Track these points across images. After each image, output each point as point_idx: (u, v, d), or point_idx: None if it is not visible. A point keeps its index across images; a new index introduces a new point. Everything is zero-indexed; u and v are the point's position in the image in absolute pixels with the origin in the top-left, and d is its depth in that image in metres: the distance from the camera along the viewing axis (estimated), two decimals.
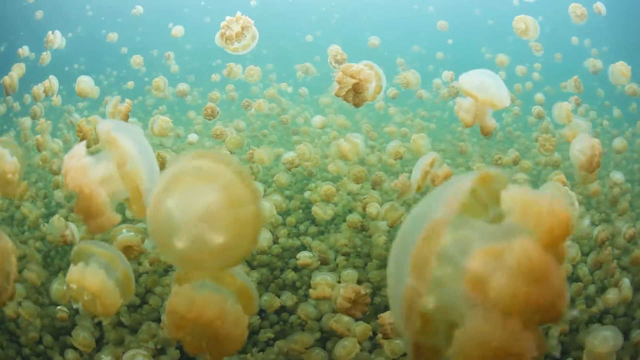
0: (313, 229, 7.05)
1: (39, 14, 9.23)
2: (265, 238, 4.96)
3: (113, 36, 8.23)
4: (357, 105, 2.81)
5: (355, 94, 2.77)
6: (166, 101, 11.05)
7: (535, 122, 9.34)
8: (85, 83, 4.37)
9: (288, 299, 5.24)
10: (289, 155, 5.58)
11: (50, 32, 5.76)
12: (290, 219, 6.85)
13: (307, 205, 8.29)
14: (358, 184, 5.55)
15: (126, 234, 3.36)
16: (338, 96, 2.81)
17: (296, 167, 5.63)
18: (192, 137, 7.11)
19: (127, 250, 3.29)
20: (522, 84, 9.18)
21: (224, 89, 9.90)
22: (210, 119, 5.60)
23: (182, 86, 6.78)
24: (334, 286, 3.80)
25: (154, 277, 5.63)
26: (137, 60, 7.14)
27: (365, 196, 5.68)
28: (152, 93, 8.78)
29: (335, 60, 4.78)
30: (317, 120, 6.50)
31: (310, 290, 3.94)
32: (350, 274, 4.76)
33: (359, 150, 4.99)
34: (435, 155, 3.04)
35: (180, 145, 8.46)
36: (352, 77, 2.75)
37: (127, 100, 3.57)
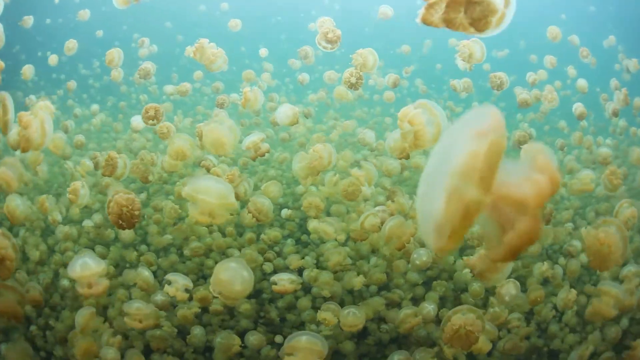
0: (290, 249, 6.06)
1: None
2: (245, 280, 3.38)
3: (84, 14, 7.19)
4: (480, 28, 1.61)
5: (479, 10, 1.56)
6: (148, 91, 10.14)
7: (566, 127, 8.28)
8: None
9: (256, 340, 4.12)
10: (250, 140, 3.96)
11: None
12: (275, 234, 5.79)
13: (302, 218, 7.26)
14: (350, 200, 4.23)
15: None
16: (426, 22, 1.60)
17: (262, 155, 3.99)
18: (136, 122, 5.69)
19: None
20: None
21: (214, 80, 8.93)
22: (153, 123, 4.19)
23: (147, 65, 5.51)
24: (323, 355, 2.72)
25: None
26: (69, 45, 6.03)
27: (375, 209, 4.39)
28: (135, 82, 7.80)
29: (327, 40, 3.72)
30: (284, 112, 4.17)
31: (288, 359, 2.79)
32: (352, 316, 3.62)
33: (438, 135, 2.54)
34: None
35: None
36: None
37: None
